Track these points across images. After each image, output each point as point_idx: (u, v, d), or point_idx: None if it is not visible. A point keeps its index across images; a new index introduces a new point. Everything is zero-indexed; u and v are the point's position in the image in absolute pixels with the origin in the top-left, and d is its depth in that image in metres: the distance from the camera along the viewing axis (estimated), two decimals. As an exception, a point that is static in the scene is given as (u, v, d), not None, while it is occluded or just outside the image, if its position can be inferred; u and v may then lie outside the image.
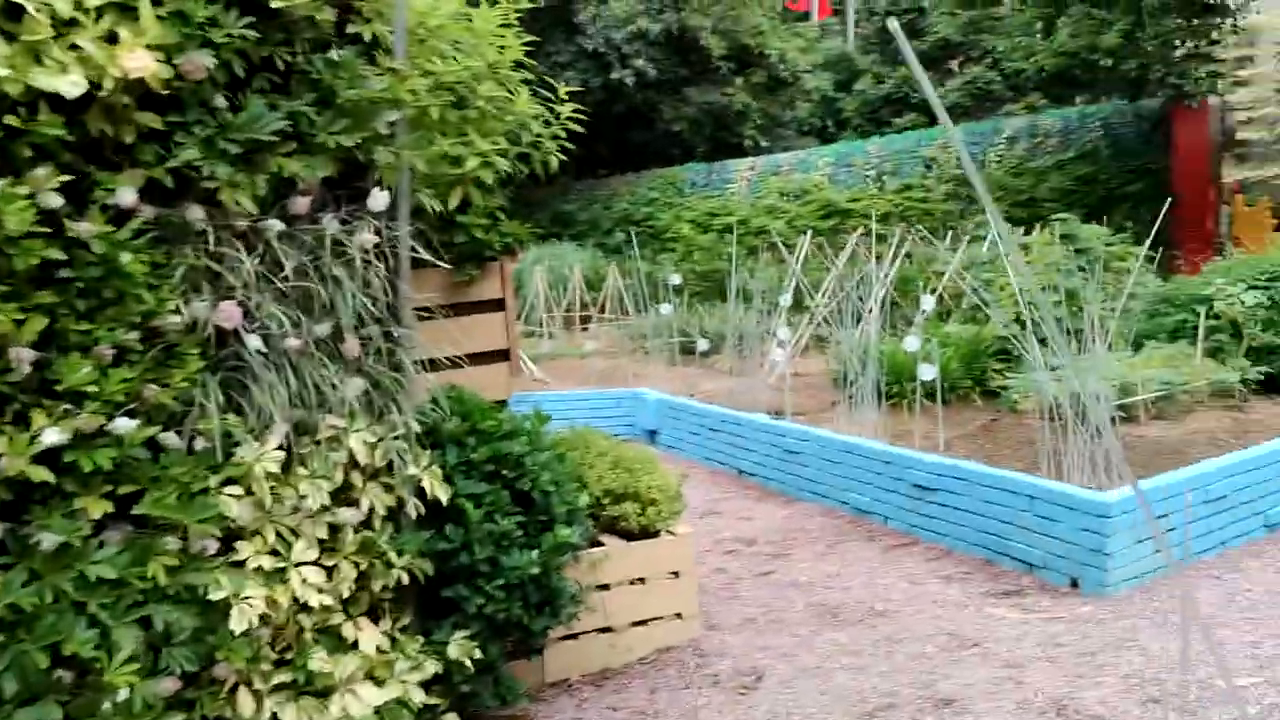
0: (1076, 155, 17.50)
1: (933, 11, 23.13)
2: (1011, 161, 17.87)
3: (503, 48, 4.05)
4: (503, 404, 4.07)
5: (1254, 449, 5.50)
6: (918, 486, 5.73)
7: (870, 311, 7.32)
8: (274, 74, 3.06)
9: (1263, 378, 7.06)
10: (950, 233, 12.08)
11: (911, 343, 6.45)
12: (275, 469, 2.95)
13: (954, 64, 25.53)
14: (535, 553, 3.49)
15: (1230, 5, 14.83)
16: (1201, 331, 7.10)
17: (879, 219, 17.25)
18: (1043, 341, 5.86)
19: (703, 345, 9.48)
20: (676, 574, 4.46)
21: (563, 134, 4.26)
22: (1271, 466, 5.49)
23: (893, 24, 2.15)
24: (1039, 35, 15.16)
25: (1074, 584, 4.85)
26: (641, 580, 4.35)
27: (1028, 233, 9.89)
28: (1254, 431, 6.50)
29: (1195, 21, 14.18)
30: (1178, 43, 14.12)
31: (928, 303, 6.93)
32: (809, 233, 9.64)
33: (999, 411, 7.12)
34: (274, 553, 2.96)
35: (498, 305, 4.20)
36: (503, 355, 4.20)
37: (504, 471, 3.55)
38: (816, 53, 25.81)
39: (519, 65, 4.09)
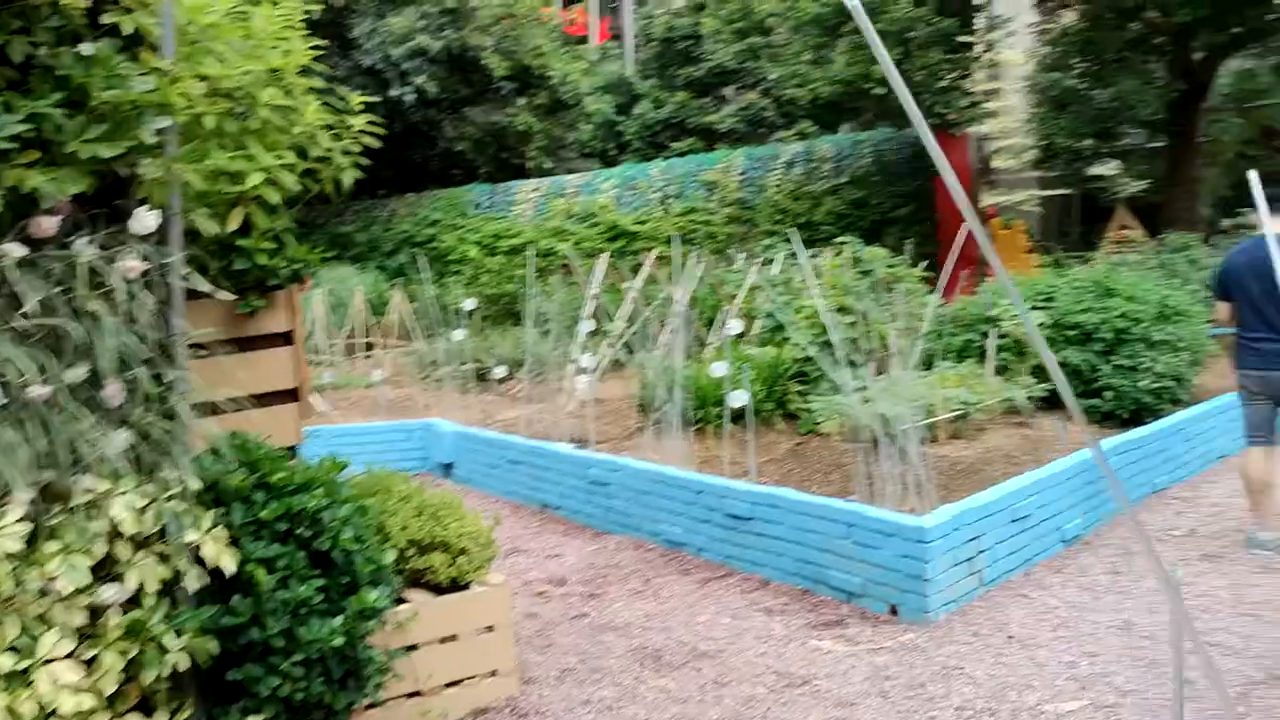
0: (850, 180, 18.10)
1: (709, 39, 23.57)
2: (790, 185, 18.33)
3: (286, 52, 3.63)
4: (293, 451, 3.62)
5: (1051, 466, 5.63)
6: (733, 516, 5.58)
7: (673, 335, 7.17)
8: (9, 68, 2.55)
9: (1046, 395, 7.32)
10: (742, 255, 12.17)
11: (719, 367, 6.32)
12: (16, 546, 2.43)
13: (729, 91, 26.14)
14: (338, 620, 3.08)
15: (977, 42, 15.75)
16: (991, 351, 7.32)
17: (665, 241, 17.42)
18: (852, 364, 5.83)
19: (499, 371, 9.12)
20: (490, 628, 4.10)
21: (356, 148, 3.86)
22: (1068, 483, 5.64)
23: (851, 2, 1.95)
24: (813, 63, 15.60)
25: (894, 611, 4.78)
26: (453, 637, 3.96)
27: (814, 255, 10.06)
28: (1044, 448, 6.71)
29: (954, 55, 14.93)
30: (940, 74, 14.81)
31: (734, 326, 6.83)
32: (604, 255, 9.44)
33: (805, 435, 7.09)
34: (14, 650, 2.43)
35: (285, 339, 3.75)
36: (292, 395, 3.75)
37: (299, 530, 3.11)
38: (597, 76, 25.92)
39: (305, 71, 3.68)
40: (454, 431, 8.16)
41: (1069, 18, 17.17)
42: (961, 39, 15.70)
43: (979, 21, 16.11)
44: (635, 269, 10.61)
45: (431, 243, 19.37)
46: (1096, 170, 26.46)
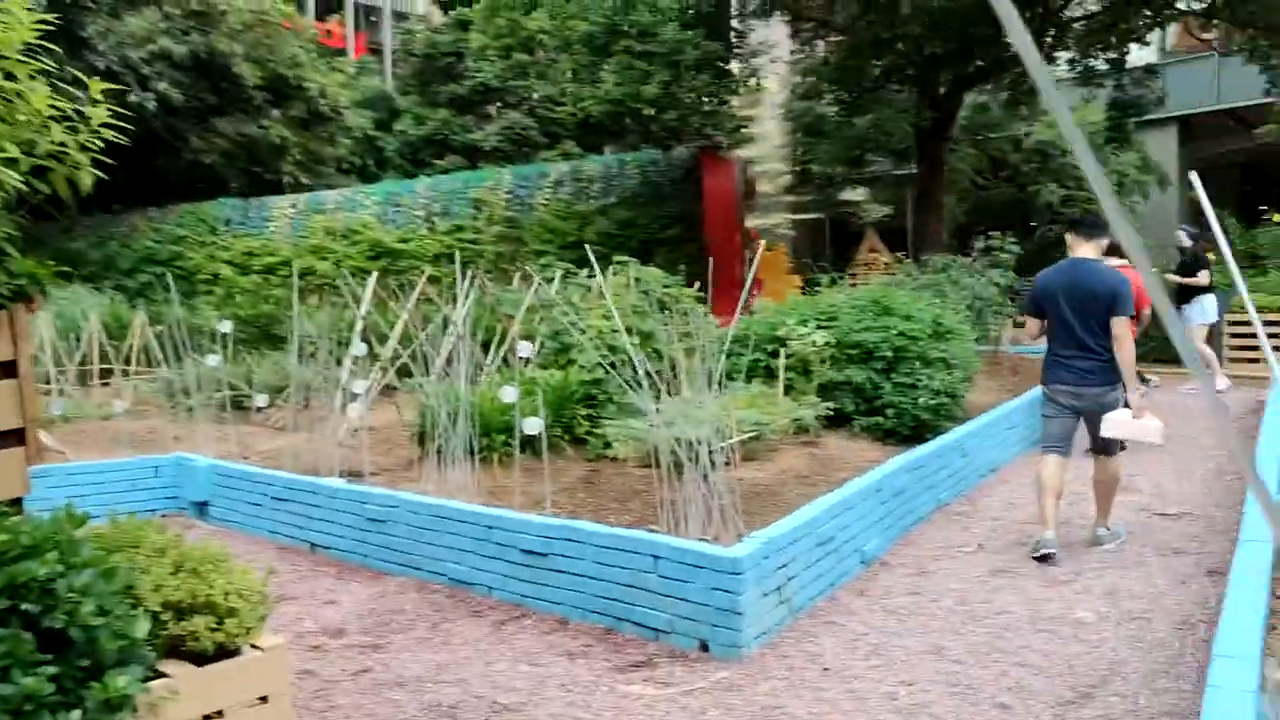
0: (618, 200, 18.10)
1: (473, 56, 23.15)
2: (559, 205, 18.15)
3: (4, 24, 3.02)
4: (18, 505, 3.00)
5: (850, 486, 5.57)
6: (527, 552, 5.20)
7: (454, 358, 6.73)
8: None
9: (831, 413, 7.35)
10: (519, 274, 11.81)
11: (509, 392, 5.93)
12: None
13: (493, 109, 25.80)
14: (76, 716, 2.51)
15: (742, 68, 16.10)
16: (781, 371, 7.27)
17: (431, 260, 16.86)
18: (642, 386, 5.58)
19: (259, 400, 8.38)
20: (264, 699, 3.56)
21: (96, 144, 3.27)
22: (865, 503, 5.58)
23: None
24: (582, 82, 15.50)
25: (704, 648, 4.54)
26: (219, 714, 3.40)
27: (591, 275, 9.84)
28: (833, 468, 6.69)
29: (721, 80, 15.17)
30: (706, 98, 15.02)
31: (525, 348, 6.46)
32: (373, 275, 8.86)
33: (595, 460, 6.80)
34: None
35: (7, 370, 3.12)
36: (16, 437, 3.12)
37: (25, 606, 2.53)
38: (356, 90, 24.99)
39: (34, 51, 3.08)
40: (209, 466, 7.40)
41: (825, 48, 17.84)
42: (727, 65, 16.02)
43: (744, 48, 16.45)
44: (402, 288, 10.07)
45: (177, 261, 18.03)
46: (846, 195, 27.72)
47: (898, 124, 14.32)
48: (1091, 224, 6.01)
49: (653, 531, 5.08)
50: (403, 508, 5.88)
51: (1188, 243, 12.14)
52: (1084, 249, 5.89)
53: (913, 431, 7.48)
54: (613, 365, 7.32)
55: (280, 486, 6.77)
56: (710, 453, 5.27)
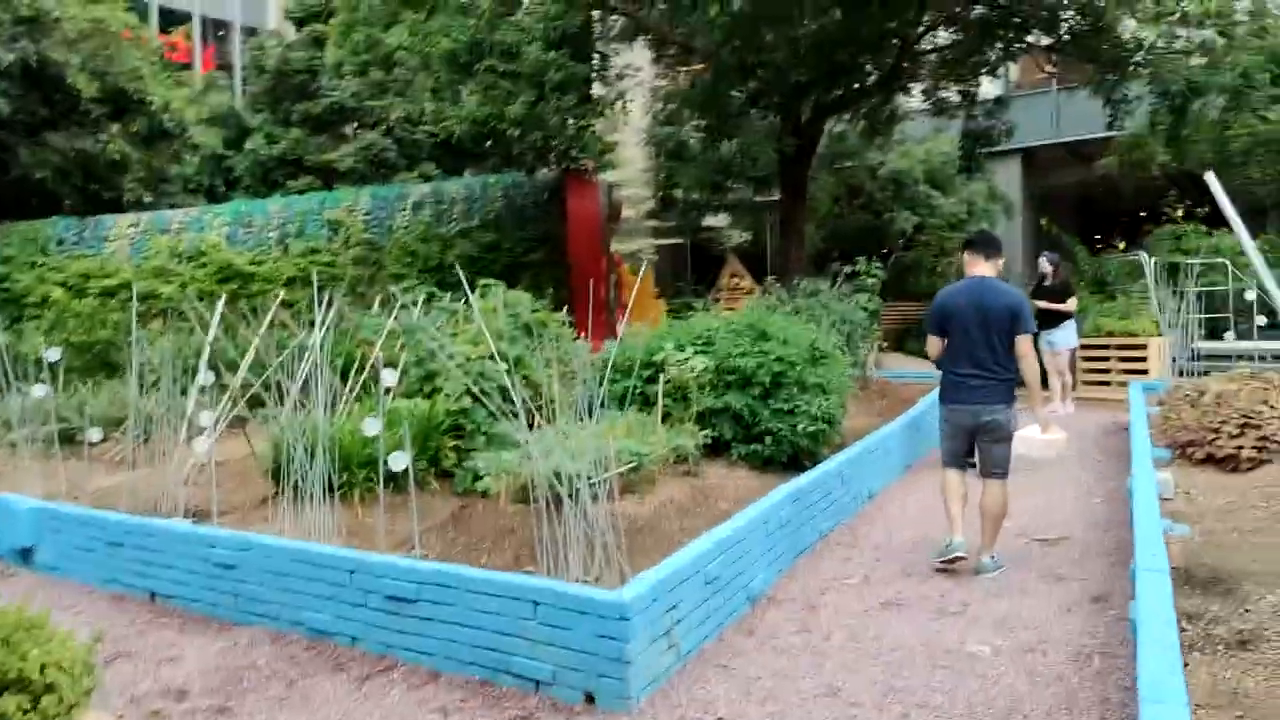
0: (481, 223, 17.72)
1: (328, 73, 22.39)
2: (419, 227, 17.65)
3: None
4: None
5: (736, 520, 5.33)
6: (394, 598, 4.79)
7: (311, 387, 6.26)
8: None
9: (710, 441, 7.13)
10: (379, 298, 11.29)
11: (371, 424, 5.51)
12: None
13: (349, 129, 25.07)
14: None
15: (602, 93, 15.93)
16: (661, 398, 7.02)
17: (284, 283, 16.10)
18: (515, 415, 5.23)
19: (93, 433, 7.69)
20: (91, 785, 3.09)
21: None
22: (752, 537, 5.36)
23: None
24: (443, 101, 15.04)
25: (590, 699, 4.21)
26: (36, 807, 2.93)
27: (456, 298, 9.46)
28: (714, 499, 6.46)
29: (586, 103, 14.95)
30: (572, 120, 14.76)
31: (389, 377, 6.03)
32: (222, 298, 8.27)
33: (463, 494, 6.39)
34: None
35: None
36: None
37: None
38: (203, 106, 23.91)
39: None
40: (33, 508, 6.72)
41: (688, 74, 17.83)
42: (591, 88, 15.81)
43: (608, 71, 16.28)
44: (254, 312, 9.46)
45: (3, 283, 16.79)
46: (708, 221, 27.90)
47: (763, 149, 14.33)
48: (989, 242, 6.07)
49: (531, 574, 4.75)
50: (255, 551, 5.39)
51: (1049, 268, 12.50)
52: (982, 267, 5.91)
53: (791, 459, 7.33)
54: (482, 393, 6.98)
55: (116, 529, 6.17)
56: (590, 487, 4.97)
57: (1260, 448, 6.79)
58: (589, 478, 4.98)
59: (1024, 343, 5.69)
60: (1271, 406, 7.19)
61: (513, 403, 5.25)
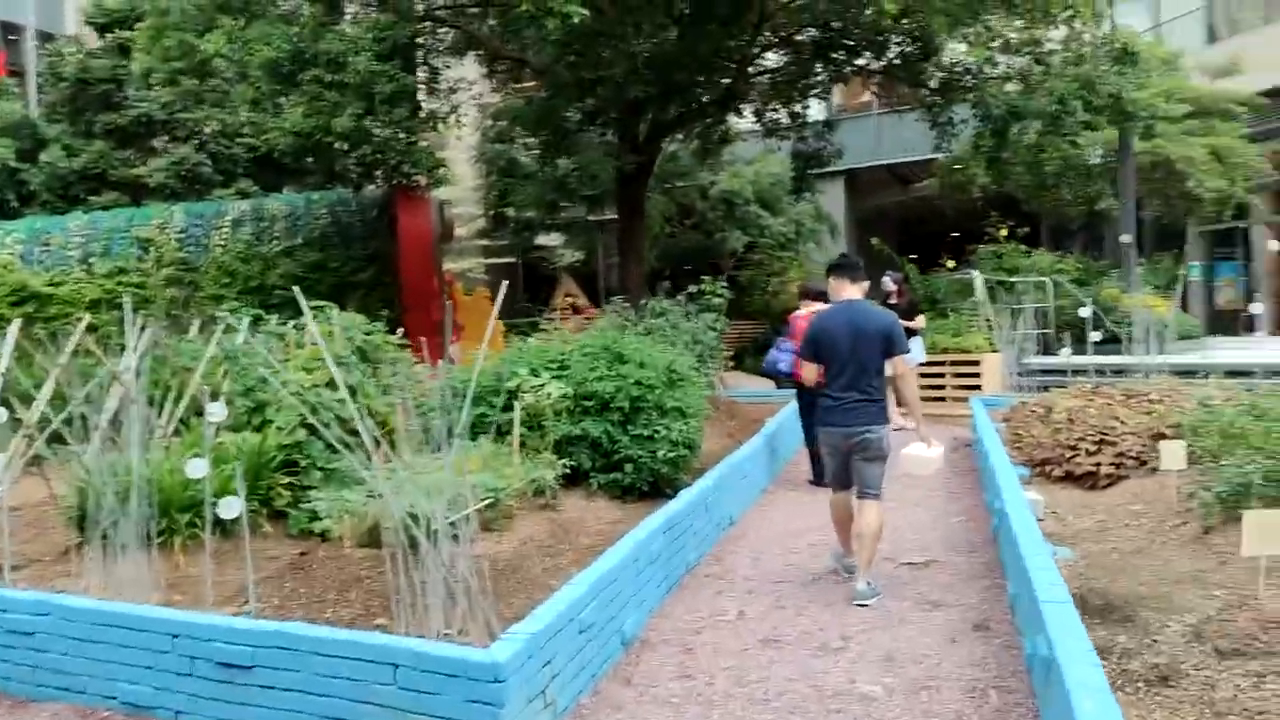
0: (305, 242, 16.91)
1: (136, 82, 21.01)
2: (238, 246, 16.69)
3: None
4: None
5: (607, 559, 4.94)
6: (226, 665, 4.20)
7: (125, 421, 5.57)
8: None
9: (568, 471, 6.73)
10: (196, 322, 10.44)
11: (197, 467, 4.88)
12: None
13: (160, 142, 23.59)
14: None
15: (434, 107, 15.41)
16: (517, 427, 6.56)
17: (88, 306, 14.86)
18: (344, 448, 4.72)
19: None
20: None
21: None
22: (622, 577, 4.99)
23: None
24: (265, 112, 14.19)
25: (459, 771, 3.75)
26: None
27: (283, 321, 8.81)
28: (576, 534, 6.07)
29: (416, 116, 14.37)
30: (402, 134, 14.17)
31: (216, 410, 5.38)
32: (15, 323, 7.39)
33: (306, 540, 5.79)
34: None
35: None
36: None
37: None
38: (-9, 115, 22.13)
39: None
40: None
41: (523, 89, 17.46)
42: (421, 101, 15.25)
43: (440, 85, 15.74)
44: (53, 338, 8.55)
45: None
46: (541, 240, 27.53)
47: (603, 167, 14.06)
48: (853, 266, 6.08)
49: (386, 630, 4.25)
50: (56, 614, 4.69)
51: (893, 287, 12.68)
52: (850, 290, 5.93)
53: (652, 487, 7.02)
54: (320, 424, 6.42)
55: (-115, 593, 5.31)
56: (449, 527, 4.51)
57: (1117, 464, 6.86)
58: (445, 517, 4.52)
59: (900, 363, 5.77)
60: (1123, 422, 7.30)
61: (356, 434, 4.74)
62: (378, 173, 15.06)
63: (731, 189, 25.19)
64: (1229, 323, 24.48)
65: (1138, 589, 4.49)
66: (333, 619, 4.54)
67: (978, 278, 15.63)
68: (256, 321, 8.68)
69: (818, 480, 8.87)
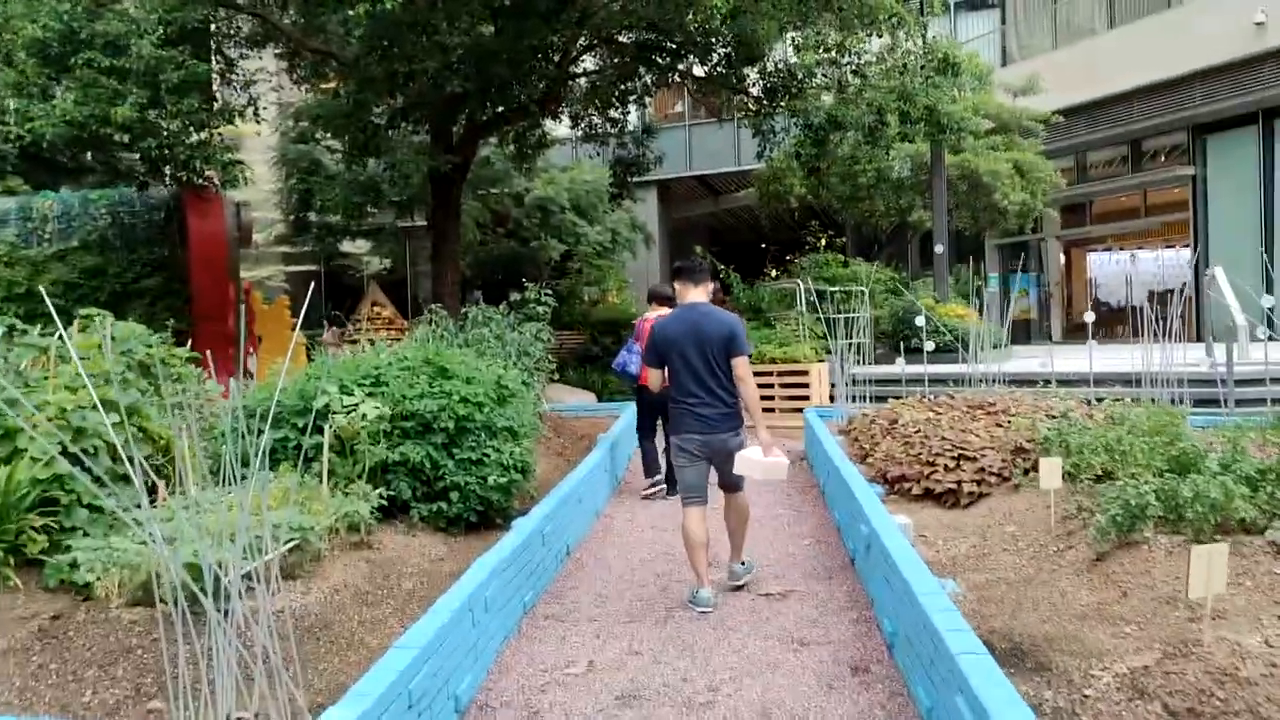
0: (82, 244, 15.30)
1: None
2: (1, 248, 14.93)
3: None
4: None
5: (437, 614, 4.17)
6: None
7: None
8: None
9: (385, 503, 5.90)
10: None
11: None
12: None
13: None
14: None
15: (229, 99, 14.19)
16: (326, 453, 5.68)
17: None
18: (147, 485, 3.83)
19: None
20: None
21: None
22: (456, 633, 4.24)
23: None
24: (31, 99, 12.64)
25: None
26: None
27: (47, 332, 7.64)
28: (397, 576, 5.28)
29: (209, 109, 13.13)
30: (194, 128, 12.89)
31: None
32: None
33: (65, 595, 4.76)
34: None
35: None
36: None
37: None
38: None
39: None
40: None
41: (328, 85, 16.32)
42: (214, 91, 13.99)
43: (236, 76, 14.48)
44: None
45: None
46: (346, 247, 26.18)
47: (416, 166, 13.15)
48: (697, 269, 5.99)
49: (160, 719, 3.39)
50: None
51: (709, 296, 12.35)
52: (694, 294, 5.87)
53: (481, 516, 6.28)
54: (84, 454, 5.46)
55: None
56: (242, 579, 3.68)
57: (979, 480, 6.54)
58: (239, 568, 3.69)
59: (741, 364, 5.61)
60: (977, 436, 7.02)
61: (129, 464, 3.84)
62: (165, 169, 13.68)
63: (547, 196, 24.58)
64: (1022, 332, 25.56)
65: (1042, 628, 4.07)
66: (92, 704, 3.63)
67: (800, 287, 15.52)
68: (11, 332, 7.48)
69: (656, 478, 8.76)
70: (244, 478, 4.64)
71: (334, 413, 5.75)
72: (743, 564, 5.91)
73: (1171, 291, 26.49)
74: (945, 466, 6.70)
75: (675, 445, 5.76)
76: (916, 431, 7.48)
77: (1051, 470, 5.42)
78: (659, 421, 9.32)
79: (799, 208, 23.25)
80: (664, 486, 8.66)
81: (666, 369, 5.73)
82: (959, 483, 6.53)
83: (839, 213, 21.77)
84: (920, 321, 11.15)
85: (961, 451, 6.74)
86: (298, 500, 5.25)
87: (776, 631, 5.16)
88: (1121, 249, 28.50)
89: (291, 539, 4.68)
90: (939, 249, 17.43)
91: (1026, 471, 6.40)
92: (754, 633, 5.15)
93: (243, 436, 5.40)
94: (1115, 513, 4.55)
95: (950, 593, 4.48)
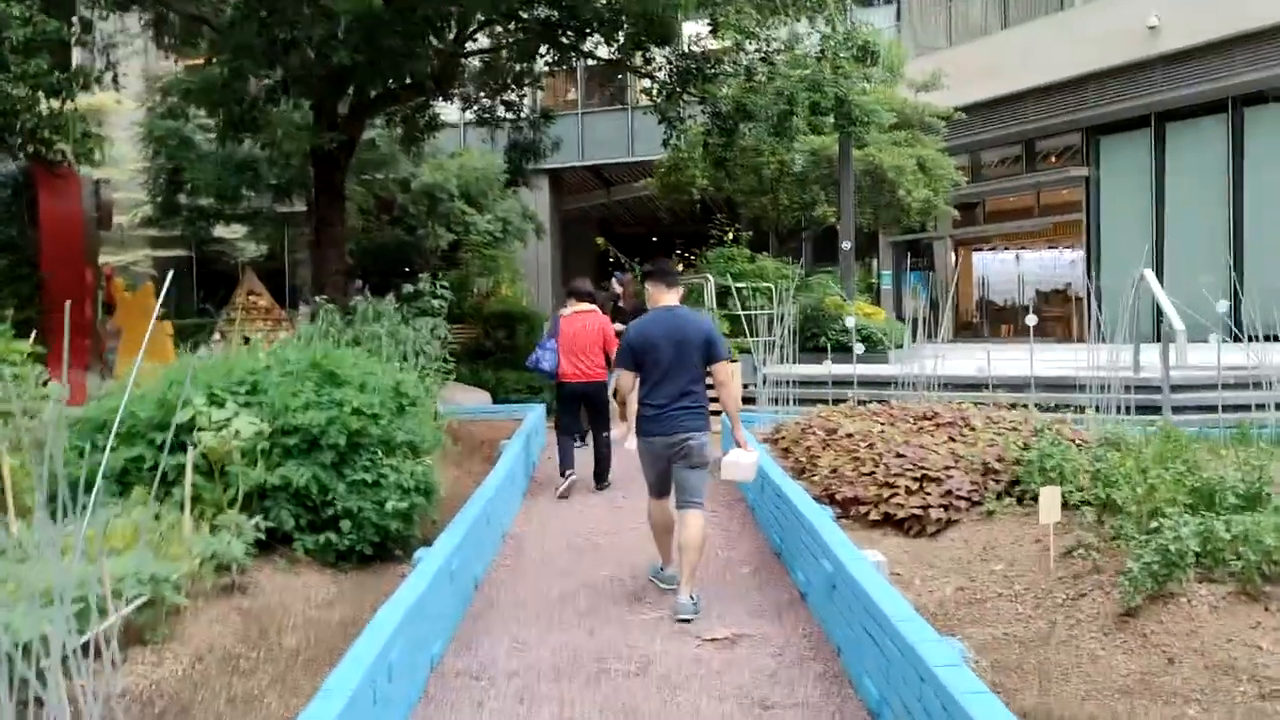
0: (-86, 225, 13.73)
1: None
2: None
3: None
4: None
5: (332, 693, 3.28)
6: None
7: None
8: None
9: (262, 535, 4.93)
10: None
11: None
12: None
13: None
14: None
15: (88, 64, 12.83)
16: (189, 481, 4.68)
17: None
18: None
19: None
20: None
21: None
22: (360, 707, 3.35)
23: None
24: None
25: None
26: None
27: None
28: (277, 632, 4.35)
29: (64, 73, 11.76)
30: (45, 94, 11.53)
31: None
32: None
33: None
34: None
35: None
36: None
37: None
38: None
39: None
40: None
41: (197, 61, 14.96)
42: (72, 56, 12.61)
43: (94, 38, 13.07)
44: None
45: None
46: (219, 232, 24.59)
47: (298, 143, 12.03)
48: (668, 271, 5.96)
49: None
50: None
51: (619, 289, 11.78)
52: (668, 296, 5.79)
53: (377, 548, 5.37)
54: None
55: None
56: (71, 656, 2.77)
57: (946, 505, 5.85)
58: (64, 643, 2.78)
59: (723, 369, 5.63)
60: (936, 451, 6.34)
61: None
62: (11, 141, 12.25)
63: (435, 182, 23.45)
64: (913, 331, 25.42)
65: (1084, 708, 3.39)
66: None
67: (708, 283, 14.85)
68: None
69: (570, 474, 8.59)
70: (85, 508, 3.68)
71: (200, 429, 4.75)
72: (691, 599, 5.39)
73: (1059, 291, 26.71)
74: (907, 488, 5.98)
75: (643, 447, 5.67)
76: (867, 445, 6.78)
77: (1051, 501, 4.76)
78: (580, 415, 9.11)
79: (700, 200, 22.63)
80: (574, 476, 8.58)
81: (640, 371, 5.61)
82: (925, 507, 5.81)
83: (740, 206, 21.17)
84: (850, 322, 10.54)
85: (924, 471, 6.05)
86: (153, 539, 4.26)
87: (732, 690, 4.38)
88: (1007, 248, 28.76)
89: (139, 596, 3.72)
90: (846, 245, 16.96)
91: (1000, 495, 5.76)
92: (705, 691, 4.37)
93: (82, 455, 4.44)
94: (1151, 561, 3.90)
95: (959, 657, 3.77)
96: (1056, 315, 25.30)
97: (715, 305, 14.86)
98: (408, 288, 9.98)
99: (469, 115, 18.52)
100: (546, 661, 4.76)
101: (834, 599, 4.73)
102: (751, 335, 13.28)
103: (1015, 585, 4.83)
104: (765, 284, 15.08)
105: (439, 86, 14.37)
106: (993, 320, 28.35)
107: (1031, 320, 9.56)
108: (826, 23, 13.20)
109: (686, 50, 14.10)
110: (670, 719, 4.09)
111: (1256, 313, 8.53)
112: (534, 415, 10.73)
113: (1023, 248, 28.37)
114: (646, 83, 15.33)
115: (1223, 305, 8.76)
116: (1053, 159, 24.65)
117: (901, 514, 5.86)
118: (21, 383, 6.60)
